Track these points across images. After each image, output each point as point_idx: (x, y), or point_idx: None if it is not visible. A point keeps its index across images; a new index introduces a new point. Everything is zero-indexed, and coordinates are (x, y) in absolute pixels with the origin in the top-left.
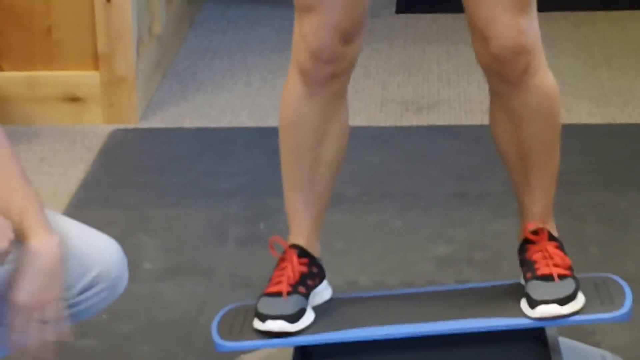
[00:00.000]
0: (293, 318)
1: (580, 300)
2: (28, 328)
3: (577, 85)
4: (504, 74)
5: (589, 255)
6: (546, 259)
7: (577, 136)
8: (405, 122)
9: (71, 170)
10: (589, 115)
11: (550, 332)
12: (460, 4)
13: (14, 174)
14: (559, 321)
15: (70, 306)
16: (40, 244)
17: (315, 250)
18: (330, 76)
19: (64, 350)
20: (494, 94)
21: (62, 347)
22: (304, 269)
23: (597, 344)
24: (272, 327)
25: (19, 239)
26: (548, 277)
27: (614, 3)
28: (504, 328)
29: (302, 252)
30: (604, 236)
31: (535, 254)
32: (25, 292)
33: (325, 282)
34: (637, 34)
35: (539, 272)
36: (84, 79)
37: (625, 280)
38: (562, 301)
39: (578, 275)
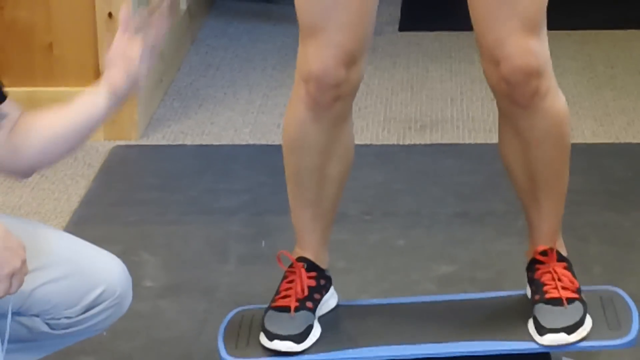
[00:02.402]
0: (300, 338)
1: (587, 326)
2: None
3: (581, 104)
4: (513, 96)
5: (592, 275)
6: (555, 281)
7: (580, 155)
8: (408, 140)
9: (72, 187)
10: (593, 135)
11: (554, 353)
12: (463, 21)
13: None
14: (567, 348)
15: (75, 324)
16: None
17: (323, 262)
18: (334, 99)
19: None
20: (503, 115)
21: None
22: (312, 282)
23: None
24: (279, 347)
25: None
26: (557, 301)
27: (618, 22)
28: (511, 352)
29: (311, 266)
30: (608, 256)
31: (544, 275)
32: None
33: (331, 290)
34: None
35: (548, 296)
36: None
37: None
38: (571, 329)
39: (584, 290)
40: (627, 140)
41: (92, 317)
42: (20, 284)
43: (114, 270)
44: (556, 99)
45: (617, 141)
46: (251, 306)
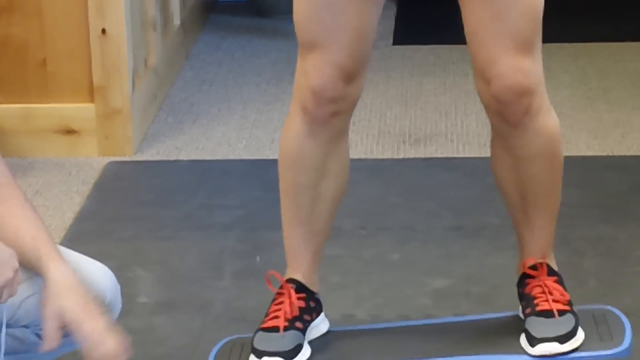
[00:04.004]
0: (289, 355)
1: (580, 337)
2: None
3: (575, 117)
4: (504, 114)
5: (587, 289)
6: (545, 294)
7: (575, 168)
8: (402, 154)
9: (66, 203)
10: (587, 148)
11: None
12: (457, 35)
13: (20, 205)
14: (559, 358)
15: (65, 335)
16: (59, 271)
17: (313, 285)
18: (332, 115)
19: None
20: (496, 133)
21: None
22: (302, 303)
23: None
24: None
25: (34, 269)
26: (548, 313)
27: (611, 35)
28: None
29: (300, 287)
30: (603, 269)
31: (534, 289)
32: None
33: (322, 316)
34: (635, 66)
35: (539, 308)
36: (79, 111)
37: (625, 314)
38: (562, 339)
39: (576, 308)
40: (622, 153)
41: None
42: (12, 294)
43: (102, 278)
44: (548, 118)
45: (611, 154)
46: (242, 335)
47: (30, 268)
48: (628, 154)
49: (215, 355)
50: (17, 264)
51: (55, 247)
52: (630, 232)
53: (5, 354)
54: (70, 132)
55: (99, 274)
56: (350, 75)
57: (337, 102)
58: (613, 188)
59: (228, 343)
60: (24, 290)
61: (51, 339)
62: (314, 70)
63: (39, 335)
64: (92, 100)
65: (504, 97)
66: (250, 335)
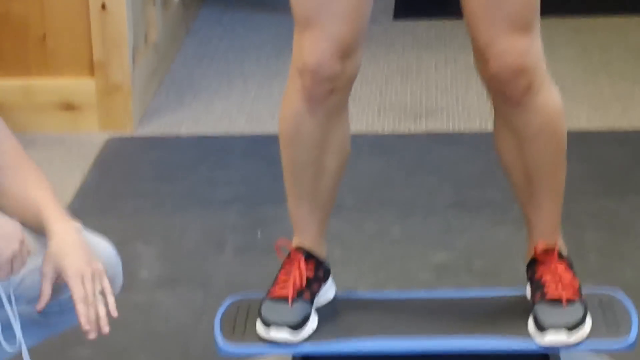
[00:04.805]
0: (297, 327)
1: (587, 327)
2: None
3: (576, 91)
4: (505, 93)
5: (588, 263)
6: (555, 281)
7: (576, 142)
8: (403, 129)
9: (67, 179)
10: (589, 121)
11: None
12: (458, 9)
13: (27, 170)
14: (566, 348)
15: (66, 310)
16: (62, 230)
17: (322, 252)
18: (329, 92)
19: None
20: (498, 112)
21: (58, 357)
22: (310, 273)
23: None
24: (276, 336)
25: (41, 231)
26: (557, 302)
27: (613, 8)
28: (511, 351)
29: (309, 255)
30: (604, 243)
31: (544, 275)
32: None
33: (330, 281)
34: (636, 40)
35: (548, 296)
36: (80, 86)
37: (625, 288)
38: (570, 329)
39: (583, 291)
40: (623, 127)
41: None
42: (23, 264)
43: (104, 253)
44: (549, 95)
45: (612, 128)
46: (245, 296)
47: (37, 231)
48: (629, 127)
49: (221, 319)
50: (23, 236)
51: (59, 208)
52: (631, 205)
53: (5, 328)
54: (70, 107)
55: (100, 248)
56: (347, 52)
57: (334, 79)
58: (614, 162)
59: (233, 305)
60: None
61: (43, 297)
62: (310, 48)
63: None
64: (92, 76)
65: (503, 76)
66: (255, 295)
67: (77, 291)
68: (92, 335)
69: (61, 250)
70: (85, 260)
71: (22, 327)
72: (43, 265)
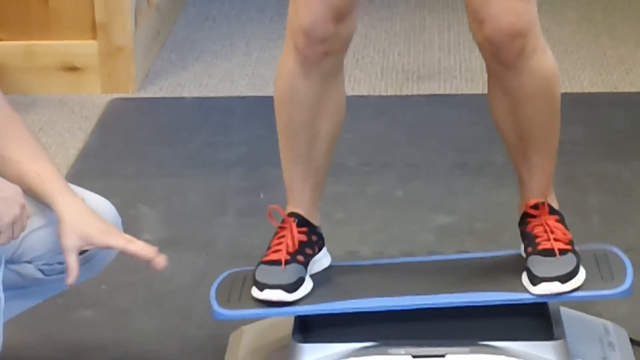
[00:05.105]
0: (291, 287)
1: (581, 276)
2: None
3: (579, 53)
4: (498, 56)
5: (591, 225)
6: (547, 233)
7: (578, 105)
8: (406, 91)
9: (69, 141)
10: (591, 84)
11: (552, 302)
12: None
13: (24, 140)
14: (560, 297)
15: (48, 280)
16: (68, 203)
17: (315, 219)
18: (323, 54)
19: (63, 321)
20: (491, 74)
21: (60, 318)
22: (303, 237)
23: (598, 314)
24: (270, 297)
25: (44, 203)
26: (549, 252)
27: None
28: (505, 303)
29: (302, 221)
30: (606, 206)
31: (536, 228)
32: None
33: (324, 250)
34: (639, 2)
35: (540, 247)
36: (82, 48)
37: (627, 250)
38: (564, 278)
39: (577, 247)
40: (626, 90)
41: (84, 262)
42: (23, 229)
43: (105, 212)
44: (543, 58)
45: (615, 90)
46: (244, 268)
47: (40, 202)
48: (632, 90)
49: (217, 288)
50: (23, 200)
51: (61, 180)
52: (634, 168)
53: (6, 289)
54: (72, 69)
55: (101, 208)
56: (341, 14)
57: (328, 41)
58: (617, 125)
59: (230, 275)
60: (27, 225)
61: (73, 271)
62: (304, 9)
63: (42, 271)
64: (94, 38)
65: (497, 38)
66: (252, 268)
67: (116, 240)
68: (163, 263)
69: (78, 220)
70: (104, 222)
71: (12, 289)
72: (63, 240)
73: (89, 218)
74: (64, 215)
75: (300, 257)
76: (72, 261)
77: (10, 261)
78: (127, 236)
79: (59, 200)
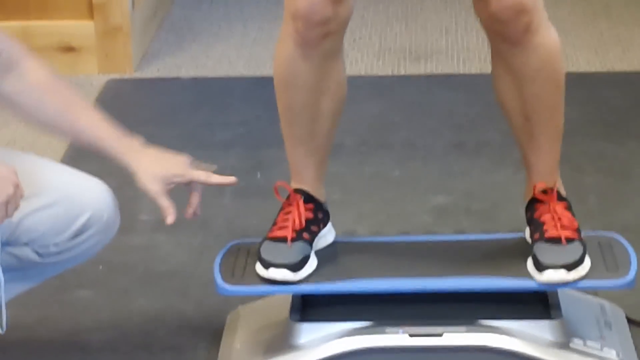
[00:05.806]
0: (296, 267)
1: (586, 265)
2: None
3: (576, 33)
4: (504, 33)
5: (587, 206)
6: (554, 220)
7: (575, 85)
8: (403, 71)
9: None
10: (588, 64)
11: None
12: None
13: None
14: (565, 286)
15: (64, 251)
16: (136, 156)
17: (321, 195)
18: (322, 36)
19: (60, 302)
20: (495, 52)
21: (58, 299)
22: (310, 214)
23: (595, 293)
24: (275, 276)
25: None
26: (556, 240)
27: None
28: (510, 290)
29: (308, 197)
30: (603, 186)
31: (544, 215)
32: None
33: (329, 226)
34: None
35: (547, 235)
36: (79, 28)
37: (623, 231)
38: (569, 267)
39: (583, 234)
40: (623, 69)
41: (80, 244)
42: (16, 208)
43: (100, 195)
44: (548, 34)
45: (612, 70)
46: (246, 239)
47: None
48: (629, 70)
49: (221, 261)
50: (17, 180)
51: (114, 127)
52: (631, 148)
53: (3, 271)
54: (69, 49)
55: (97, 190)
56: None
57: (326, 23)
58: (614, 104)
59: (233, 248)
60: (23, 207)
61: (169, 210)
62: None
63: (38, 253)
64: (91, 18)
65: (503, 15)
66: (256, 240)
67: (198, 175)
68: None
69: (155, 164)
70: (178, 162)
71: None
72: (149, 186)
73: (162, 157)
74: (138, 162)
75: (306, 235)
76: (164, 202)
77: (7, 243)
78: (202, 172)
79: (123, 159)
